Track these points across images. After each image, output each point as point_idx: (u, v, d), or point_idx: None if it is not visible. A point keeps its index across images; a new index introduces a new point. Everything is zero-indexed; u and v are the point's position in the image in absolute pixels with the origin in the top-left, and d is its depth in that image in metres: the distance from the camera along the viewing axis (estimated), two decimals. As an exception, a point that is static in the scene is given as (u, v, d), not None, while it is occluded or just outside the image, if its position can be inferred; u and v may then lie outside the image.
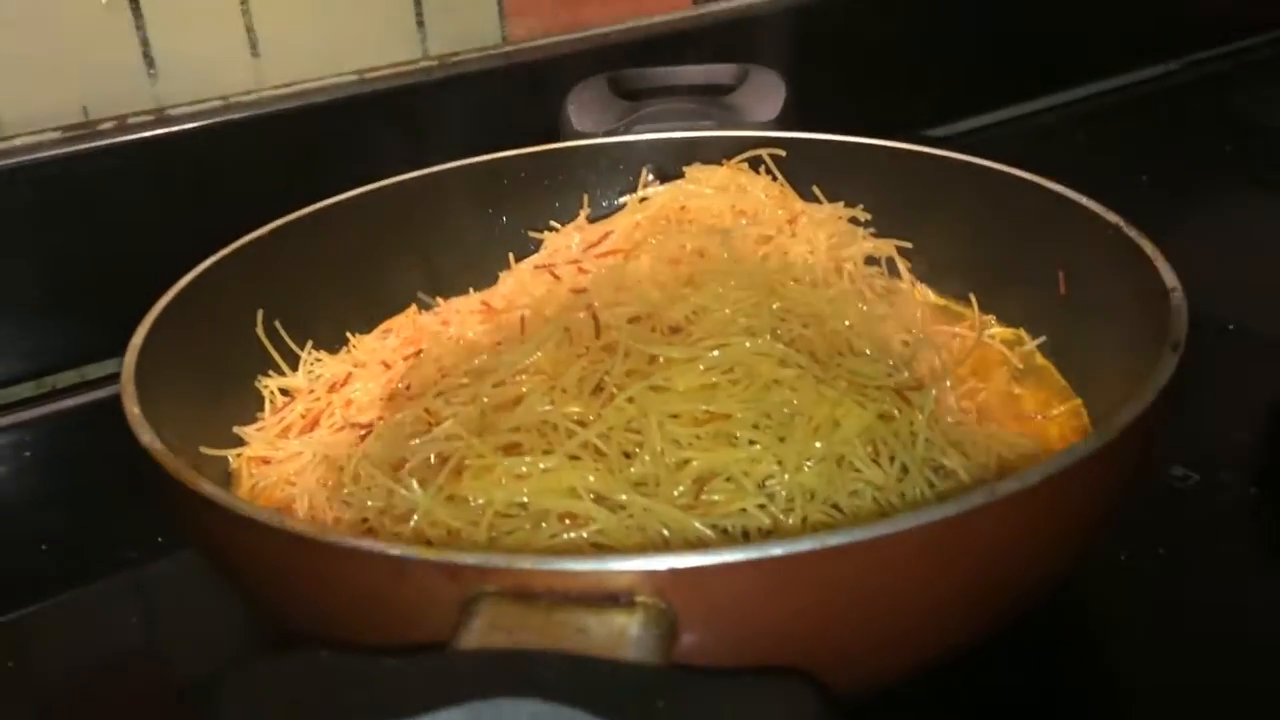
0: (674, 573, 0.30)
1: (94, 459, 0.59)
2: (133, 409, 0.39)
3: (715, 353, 0.40)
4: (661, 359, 0.41)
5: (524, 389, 0.41)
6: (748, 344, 0.40)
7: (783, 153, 0.54)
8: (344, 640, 0.30)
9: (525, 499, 0.37)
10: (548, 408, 0.40)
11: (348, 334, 0.56)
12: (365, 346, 0.54)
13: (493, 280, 0.59)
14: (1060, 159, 0.90)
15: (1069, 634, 0.43)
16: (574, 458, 0.39)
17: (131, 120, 0.65)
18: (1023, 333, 0.53)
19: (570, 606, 0.29)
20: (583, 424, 0.39)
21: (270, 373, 0.52)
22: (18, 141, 0.63)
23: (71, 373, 0.66)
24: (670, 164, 0.62)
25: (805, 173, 0.57)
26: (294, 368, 0.53)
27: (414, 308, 0.58)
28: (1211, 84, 1.04)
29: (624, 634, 0.29)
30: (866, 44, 0.88)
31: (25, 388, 0.65)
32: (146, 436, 0.37)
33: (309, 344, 0.54)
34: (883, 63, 0.89)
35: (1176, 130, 0.94)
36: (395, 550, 0.31)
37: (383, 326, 0.56)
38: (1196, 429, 0.51)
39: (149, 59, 0.65)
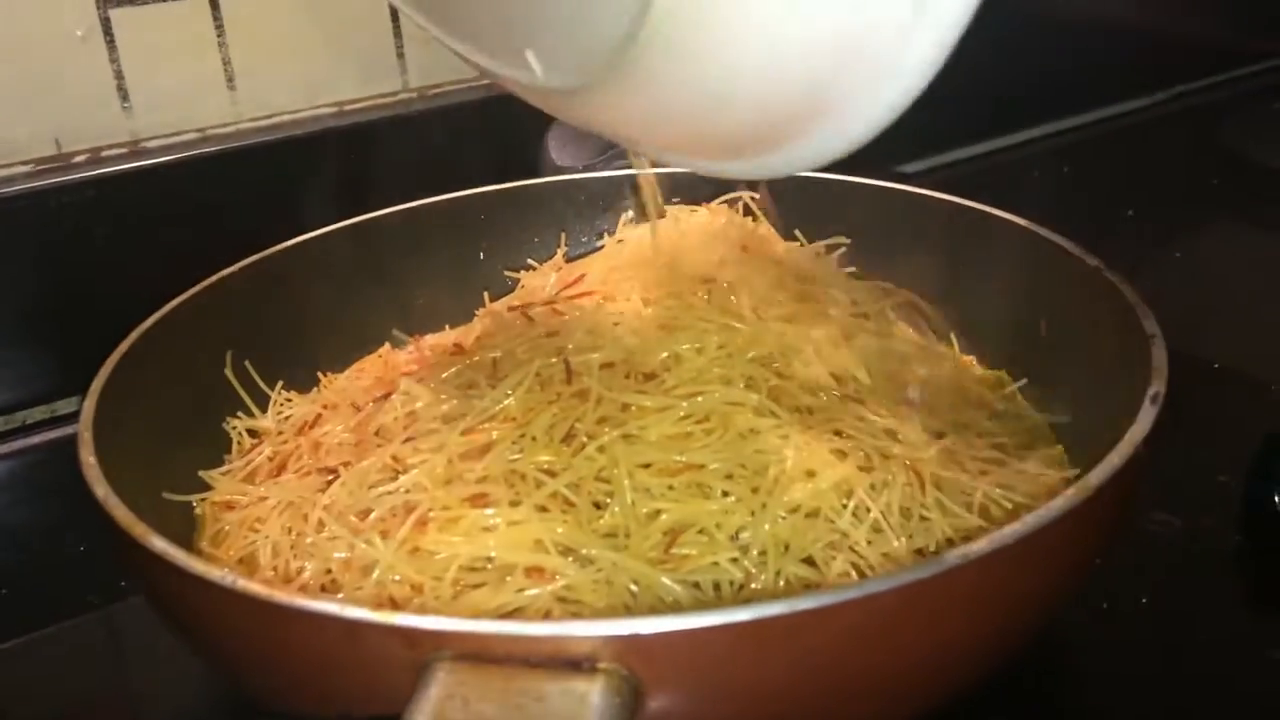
0: (637, 638, 0.29)
1: (65, 496, 0.58)
2: (88, 458, 0.38)
3: (688, 401, 0.40)
4: (634, 407, 0.40)
5: (493, 436, 0.40)
6: (721, 393, 0.40)
7: (755, 195, 0.54)
8: (298, 704, 0.29)
9: (491, 553, 0.36)
10: (516, 457, 0.39)
11: (319, 374, 0.55)
12: (336, 387, 0.53)
13: (469, 316, 0.58)
14: (1045, 191, 0.90)
15: (1051, 684, 0.43)
16: (542, 509, 0.38)
17: (105, 153, 0.65)
18: (1004, 374, 0.52)
19: (530, 673, 0.28)
20: (552, 473, 0.39)
21: (239, 414, 0.51)
22: (-11, 175, 0.62)
23: (42, 408, 0.65)
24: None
25: (783, 209, 0.57)
26: (264, 408, 0.52)
27: (387, 346, 0.57)
28: (1198, 116, 1.04)
29: (585, 701, 0.28)
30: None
31: (-4, 422, 0.64)
32: (100, 489, 0.36)
33: (279, 384, 0.53)
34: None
35: (1163, 163, 0.93)
36: (348, 613, 0.30)
37: (355, 366, 0.55)
38: (1178, 472, 0.50)
39: (123, 91, 0.65)
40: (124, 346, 0.46)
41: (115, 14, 0.63)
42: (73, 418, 0.63)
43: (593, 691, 0.28)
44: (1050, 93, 1.01)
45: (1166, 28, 1.05)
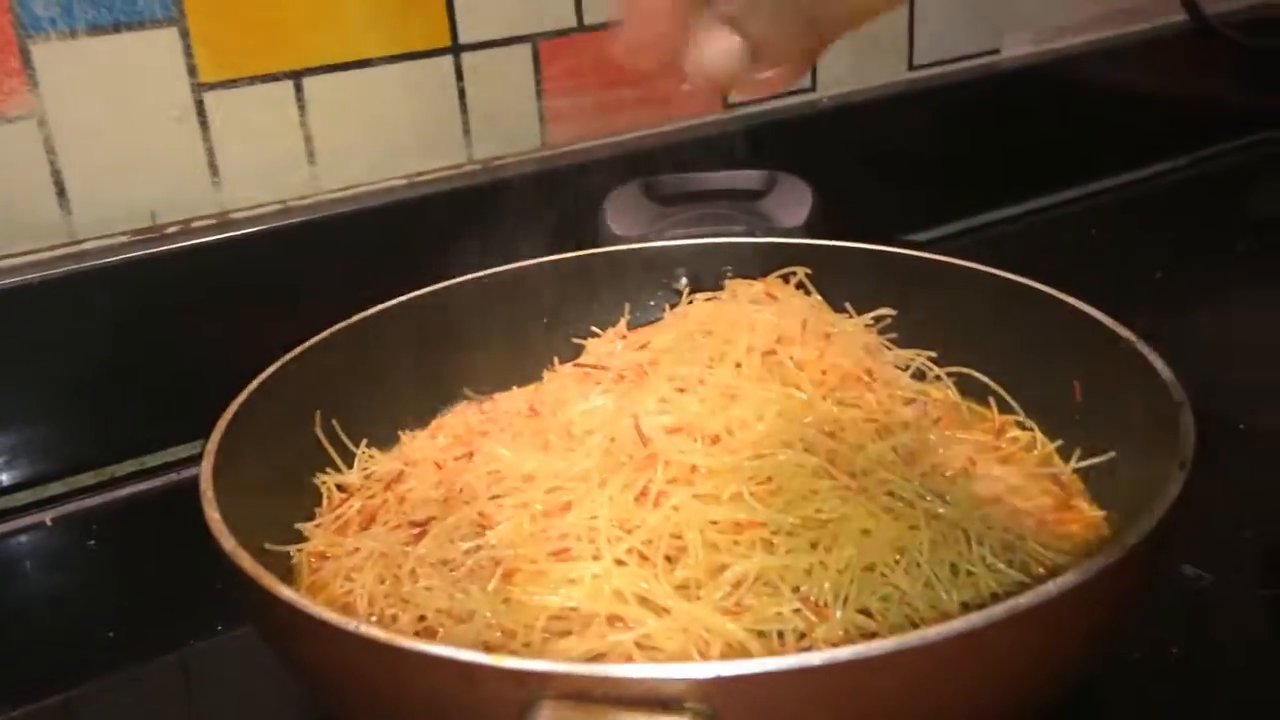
0: (720, 680, 0.32)
1: (151, 545, 0.63)
2: (213, 514, 0.42)
3: (752, 463, 0.43)
4: (703, 468, 0.44)
5: (573, 494, 0.44)
6: (783, 456, 0.43)
7: (810, 271, 0.58)
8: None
9: (577, 603, 0.40)
10: (595, 515, 0.43)
11: (399, 431, 0.59)
12: (416, 445, 0.57)
13: (536, 376, 0.62)
14: (1075, 254, 0.93)
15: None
16: (619, 562, 0.41)
17: (196, 224, 0.69)
18: (1038, 434, 0.56)
19: (624, 712, 0.32)
20: (628, 530, 0.42)
21: (327, 469, 0.56)
22: (89, 245, 0.67)
23: (132, 461, 0.70)
24: (705, 268, 0.66)
25: (831, 279, 0.61)
26: (349, 464, 0.56)
27: (462, 405, 0.61)
28: (1224, 180, 1.07)
29: (674, 738, 0.32)
30: (884, 145, 0.92)
31: (87, 476, 0.69)
32: (228, 543, 0.40)
33: (363, 441, 0.57)
34: (899, 162, 0.93)
35: (1189, 226, 0.97)
36: (463, 656, 0.33)
37: (433, 425, 0.59)
38: (1208, 528, 0.53)
39: (213, 167, 0.70)
40: (232, 409, 0.50)
41: (208, 96, 0.68)
42: (157, 471, 0.69)
43: (681, 728, 0.32)
44: (1079, 157, 1.05)
45: (1192, 92, 1.09)
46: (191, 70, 0.67)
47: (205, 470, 0.45)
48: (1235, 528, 0.55)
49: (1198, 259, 0.89)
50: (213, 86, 0.68)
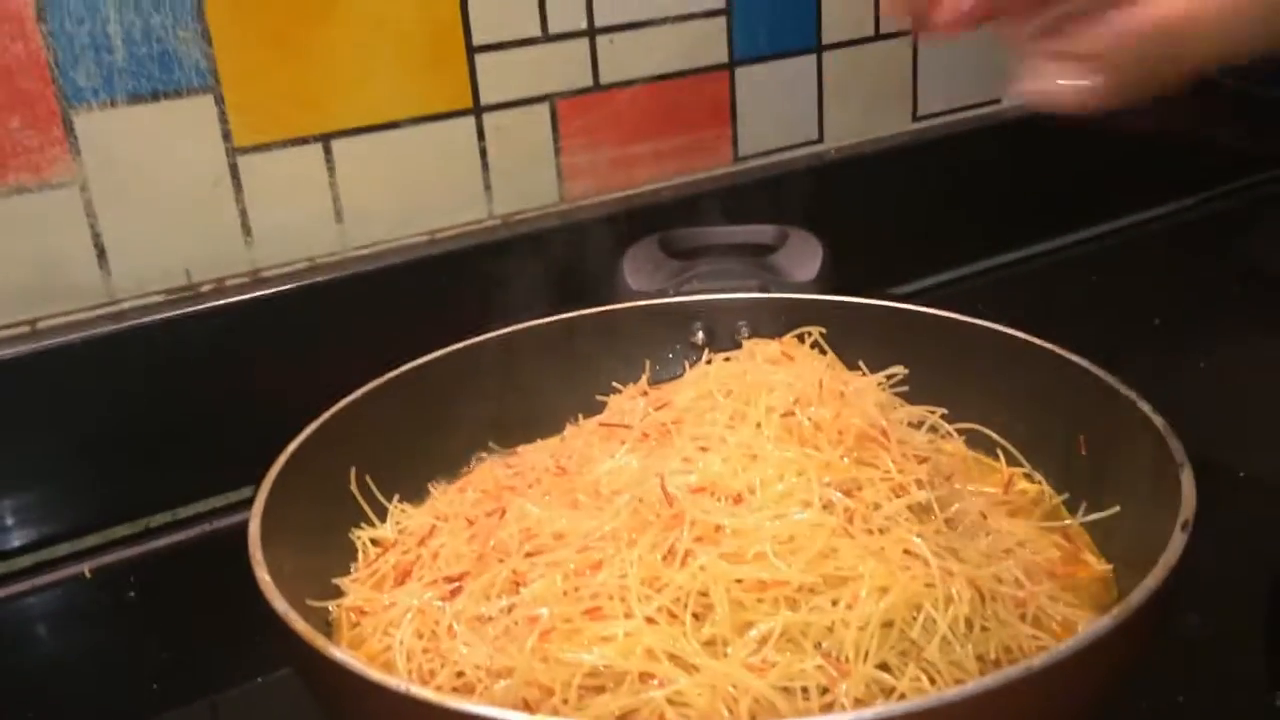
0: (753, 740, 0.34)
1: (189, 595, 0.65)
2: (264, 576, 0.44)
3: (774, 522, 0.45)
4: (728, 529, 0.46)
5: (602, 555, 0.46)
6: (803, 515, 0.45)
7: (824, 330, 0.60)
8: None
9: (611, 661, 0.42)
10: (625, 574, 0.45)
11: (429, 485, 0.61)
12: (445, 500, 0.59)
13: (558, 428, 0.65)
14: (1075, 298, 0.96)
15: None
16: (650, 620, 0.43)
17: (229, 282, 0.72)
18: (1046, 487, 0.58)
19: (662, 769, 0.34)
20: (657, 589, 0.44)
21: (362, 525, 0.58)
22: (127, 305, 0.69)
23: (165, 514, 0.72)
24: (720, 323, 0.68)
25: (843, 332, 0.63)
26: (382, 519, 0.58)
27: (489, 461, 0.63)
28: (1222, 224, 1.10)
29: (710, 794, 0.34)
30: (890, 194, 0.95)
31: (122, 528, 0.71)
32: (280, 605, 0.42)
33: (395, 497, 0.59)
34: (905, 211, 0.95)
35: (1186, 271, 0.99)
36: (510, 717, 0.35)
37: (463, 480, 0.61)
38: (1209, 577, 0.55)
39: (246, 227, 0.72)
40: (275, 469, 0.52)
41: (242, 160, 0.71)
42: (189, 522, 0.71)
43: (716, 785, 0.34)
44: (1076, 202, 1.07)
45: (1188, 139, 1.11)
46: (226, 135, 0.70)
47: (253, 533, 0.47)
48: (1236, 576, 0.57)
49: (1196, 304, 0.91)
50: (246, 150, 0.71)
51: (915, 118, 0.98)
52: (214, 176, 0.70)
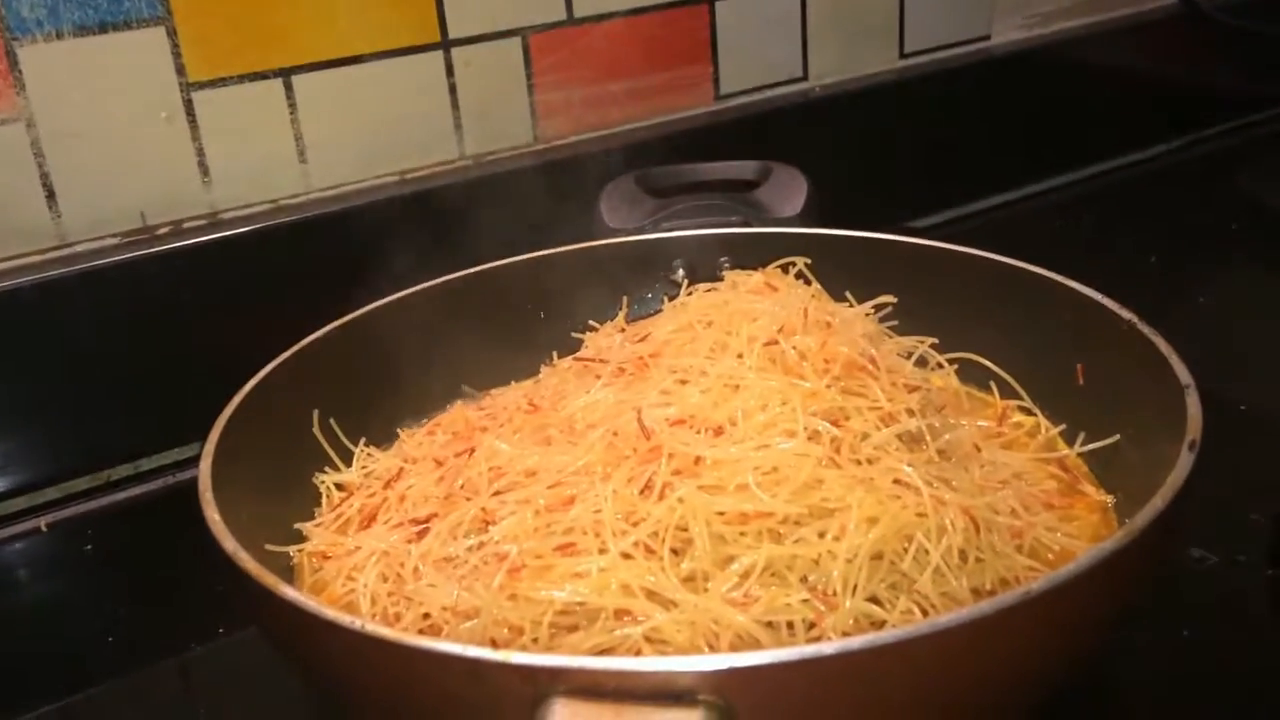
0: (733, 671, 0.32)
1: (149, 549, 0.62)
2: (213, 515, 0.41)
3: (757, 454, 0.43)
4: (707, 460, 0.43)
5: (575, 490, 0.44)
6: (787, 445, 0.43)
7: (809, 260, 0.57)
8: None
9: (583, 598, 0.39)
10: (599, 509, 0.42)
11: (397, 429, 0.59)
12: (414, 442, 0.57)
13: (533, 371, 0.62)
14: (1070, 239, 0.93)
15: (1097, 713, 0.45)
16: (626, 556, 0.41)
17: (187, 224, 0.69)
18: (1042, 419, 0.55)
19: (637, 706, 0.32)
20: (633, 523, 0.42)
21: (326, 469, 0.55)
22: (79, 248, 0.66)
23: (127, 465, 0.69)
24: (701, 260, 0.65)
25: (830, 267, 0.60)
26: (347, 463, 0.56)
27: (459, 404, 0.60)
28: (1216, 162, 1.08)
29: (687, 730, 0.31)
30: (877, 133, 0.92)
31: (82, 481, 0.68)
32: (229, 544, 0.39)
33: (362, 440, 0.57)
34: (892, 149, 0.93)
35: (1183, 209, 0.97)
36: (471, 653, 0.33)
37: (432, 422, 0.59)
38: (1212, 510, 0.53)
39: (203, 167, 0.69)
40: (229, 409, 0.49)
41: (197, 95, 0.68)
42: (151, 475, 0.68)
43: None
44: (1070, 142, 1.05)
45: (1182, 75, 1.09)
46: (180, 69, 0.67)
47: (204, 471, 0.44)
48: (1239, 509, 0.55)
49: (1193, 243, 0.89)
50: (202, 85, 0.68)
51: (902, 54, 0.95)
52: (167, 113, 0.67)
